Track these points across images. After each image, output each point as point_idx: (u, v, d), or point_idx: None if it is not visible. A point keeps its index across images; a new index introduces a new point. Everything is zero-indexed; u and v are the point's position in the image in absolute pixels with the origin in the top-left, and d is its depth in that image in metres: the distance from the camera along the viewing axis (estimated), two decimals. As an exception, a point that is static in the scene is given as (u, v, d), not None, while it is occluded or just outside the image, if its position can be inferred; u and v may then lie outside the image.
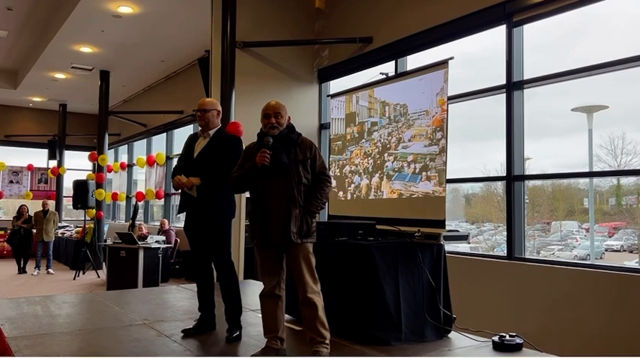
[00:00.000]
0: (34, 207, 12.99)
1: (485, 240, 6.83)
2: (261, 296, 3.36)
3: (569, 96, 5.43)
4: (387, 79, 5.12)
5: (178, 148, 12.67)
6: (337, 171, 5.66)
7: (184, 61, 11.30)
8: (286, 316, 3.44)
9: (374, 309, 3.69)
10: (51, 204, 13.49)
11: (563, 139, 5.74)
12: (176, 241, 10.96)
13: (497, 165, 5.84)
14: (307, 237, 3.23)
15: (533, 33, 5.63)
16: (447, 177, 4.35)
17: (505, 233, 5.66)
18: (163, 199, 12.74)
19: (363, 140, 5.20)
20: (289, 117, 3.44)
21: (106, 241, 11.29)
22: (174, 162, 12.97)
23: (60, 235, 13.78)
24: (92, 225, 12.50)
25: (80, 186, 11.76)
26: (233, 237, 4.02)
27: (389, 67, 7.28)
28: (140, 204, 12.86)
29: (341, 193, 5.57)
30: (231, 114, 7.09)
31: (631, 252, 5.34)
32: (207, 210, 3.81)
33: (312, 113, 8.39)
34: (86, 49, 10.61)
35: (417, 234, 3.95)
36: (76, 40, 10.05)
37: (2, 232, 14.86)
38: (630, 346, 4.43)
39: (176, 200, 13.05)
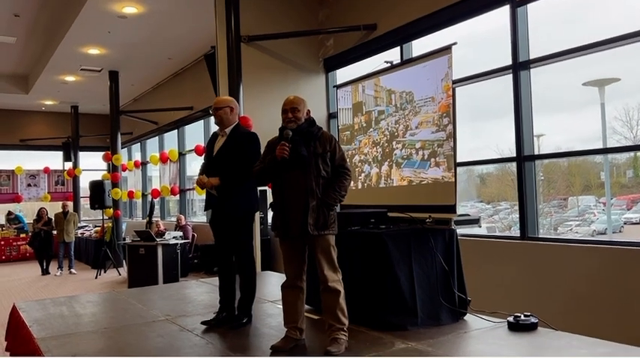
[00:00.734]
0: (52, 209, 13.23)
1: (502, 219, 6.83)
2: (283, 286, 3.45)
3: (580, 70, 5.39)
4: (392, 67, 5.13)
5: (190, 144, 12.78)
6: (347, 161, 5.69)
7: (191, 58, 11.36)
8: (306, 306, 3.52)
9: (389, 296, 3.75)
10: (69, 205, 13.73)
11: (576, 114, 5.70)
12: (193, 236, 11.07)
13: (510, 144, 5.81)
14: (324, 229, 3.26)
15: (538, 12, 5.59)
16: (460, 159, 4.34)
17: (521, 212, 5.63)
18: (178, 195, 12.88)
19: (371, 129, 5.23)
20: (308, 110, 3.49)
21: (124, 239, 11.48)
22: (187, 158, 13.12)
23: (80, 235, 14.03)
24: (110, 224, 12.71)
25: (97, 187, 11.95)
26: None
27: (394, 53, 7.27)
28: (156, 200, 13.02)
29: (352, 183, 5.61)
30: (241, 109, 7.15)
31: (650, 223, 5.33)
32: (226, 207, 3.90)
33: (320, 103, 8.42)
34: (94, 51, 10.72)
35: (428, 220, 3.99)
36: (84, 42, 10.16)
37: (24, 235, 15.17)
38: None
39: (191, 195, 13.20)
